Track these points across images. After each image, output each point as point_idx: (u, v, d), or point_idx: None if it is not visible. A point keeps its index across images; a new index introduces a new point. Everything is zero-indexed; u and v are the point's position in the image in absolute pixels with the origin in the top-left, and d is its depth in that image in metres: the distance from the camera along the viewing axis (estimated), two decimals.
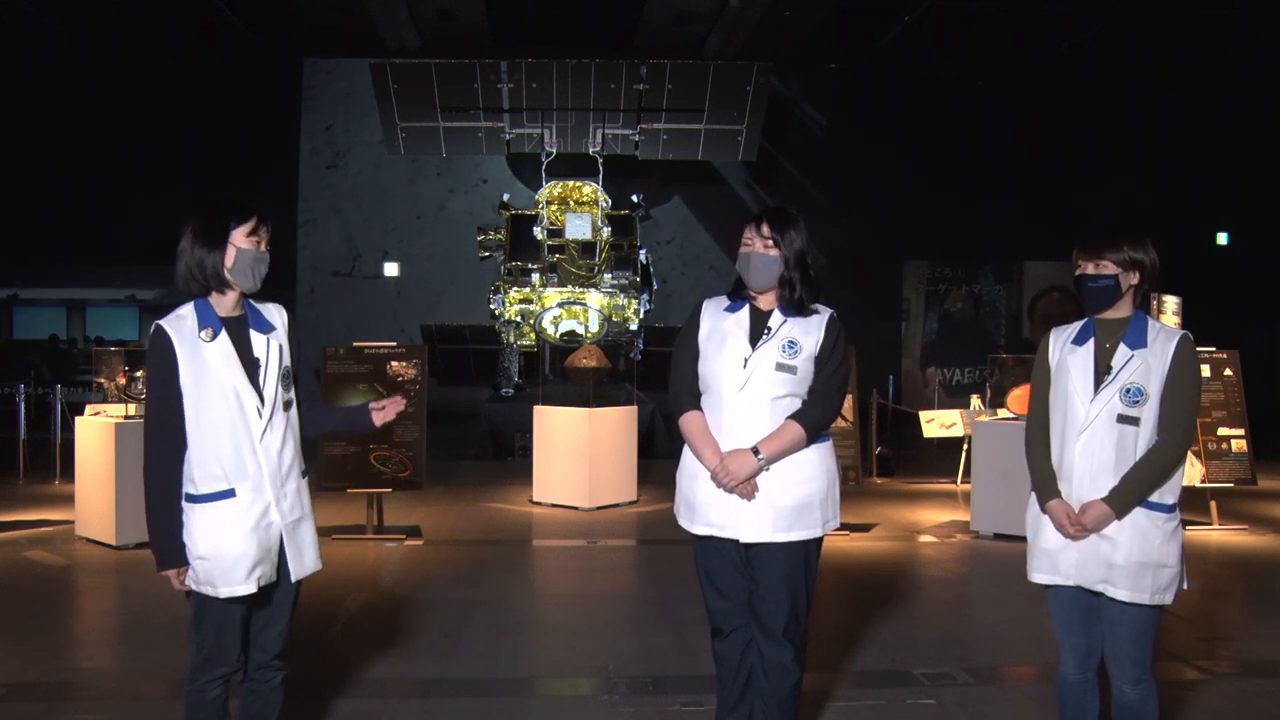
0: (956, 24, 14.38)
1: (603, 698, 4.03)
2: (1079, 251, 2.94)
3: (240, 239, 2.73)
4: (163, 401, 2.70)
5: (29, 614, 5.15)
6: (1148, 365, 2.83)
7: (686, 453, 3.12)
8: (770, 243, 3.02)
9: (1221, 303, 13.39)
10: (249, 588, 2.71)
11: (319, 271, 15.99)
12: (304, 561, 2.85)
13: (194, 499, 2.72)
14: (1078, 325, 3.00)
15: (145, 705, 3.96)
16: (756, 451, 2.94)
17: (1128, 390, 2.83)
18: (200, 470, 2.71)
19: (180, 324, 2.72)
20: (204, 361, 2.70)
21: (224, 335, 2.73)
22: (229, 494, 2.71)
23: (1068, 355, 2.95)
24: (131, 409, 6.78)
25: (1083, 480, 2.86)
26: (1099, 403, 2.85)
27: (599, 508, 8.10)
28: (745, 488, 2.96)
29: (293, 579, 2.83)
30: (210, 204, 2.78)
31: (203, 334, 2.71)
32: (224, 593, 2.69)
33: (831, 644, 4.65)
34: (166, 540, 2.72)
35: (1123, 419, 2.82)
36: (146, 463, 2.72)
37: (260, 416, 2.74)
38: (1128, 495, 2.80)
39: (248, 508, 2.73)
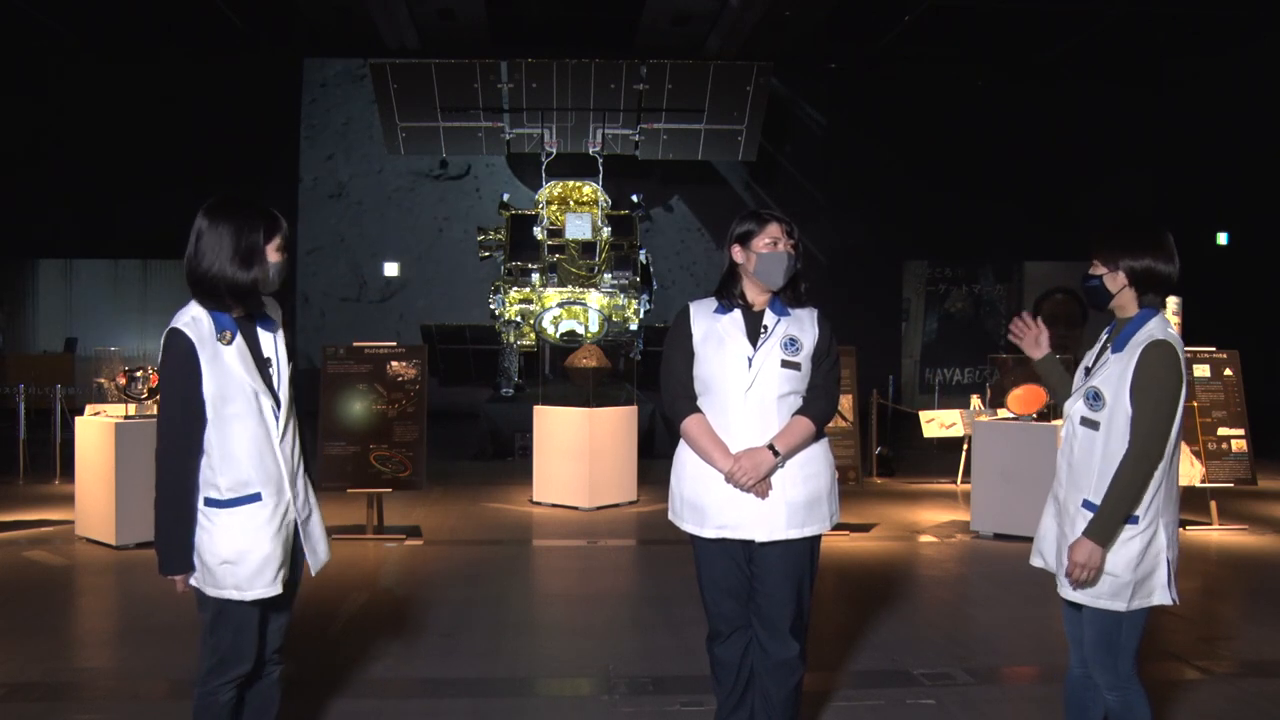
0: (956, 24, 14.39)
1: (603, 698, 4.03)
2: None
3: (272, 253, 2.69)
4: (184, 406, 2.62)
5: (29, 614, 5.15)
6: (1114, 370, 2.77)
7: (687, 456, 3.10)
8: (793, 243, 3.06)
9: (1221, 303, 13.39)
10: (276, 589, 2.71)
11: (329, 297, 16.23)
12: (319, 554, 2.88)
13: (219, 504, 2.66)
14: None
15: (145, 705, 3.95)
16: (773, 449, 2.95)
17: (1088, 393, 2.82)
18: (226, 475, 2.66)
19: (198, 327, 2.64)
20: (224, 365, 2.64)
21: (239, 337, 2.69)
22: (255, 498, 2.69)
23: (1088, 350, 2.99)
24: (131, 409, 6.78)
25: (1060, 476, 2.92)
26: (1069, 403, 2.89)
27: (599, 508, 8.10)
28: (761, 486, 2.96)
29: (313, 573, 2.86)
30: (239, 219, 2.65)
31: (220, 337, 2.65)
32: (251, 596, 2.68)
33: (831, 644, 4.65)
34: (176, 545, 2.67)
35: (1084, 422, 2.82)
36: (162, 467, 2.65)
37: (277, 419, 2.72)
38: (1104, 521, 2.73)
39: (273, 510, 2.71)
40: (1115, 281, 2.83)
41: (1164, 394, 2.71)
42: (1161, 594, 2.79)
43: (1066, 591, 2.83)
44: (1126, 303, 2.85)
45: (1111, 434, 2.75)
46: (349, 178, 16.33)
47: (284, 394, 2.75)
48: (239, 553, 2.66)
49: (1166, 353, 2.72)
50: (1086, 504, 2.79)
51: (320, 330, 15.89)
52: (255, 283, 2.67)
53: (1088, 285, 2.89)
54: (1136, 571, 2.75)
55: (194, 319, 2.66)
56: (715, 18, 14.63)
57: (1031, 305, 16.87)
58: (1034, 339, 3.14)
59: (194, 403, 2.63)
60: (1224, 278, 15.19)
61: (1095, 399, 2.79)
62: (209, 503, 2.67)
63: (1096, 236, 2.90)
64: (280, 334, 2.82)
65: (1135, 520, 2.75)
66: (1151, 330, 2.79)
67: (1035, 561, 3.04)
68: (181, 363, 2.62)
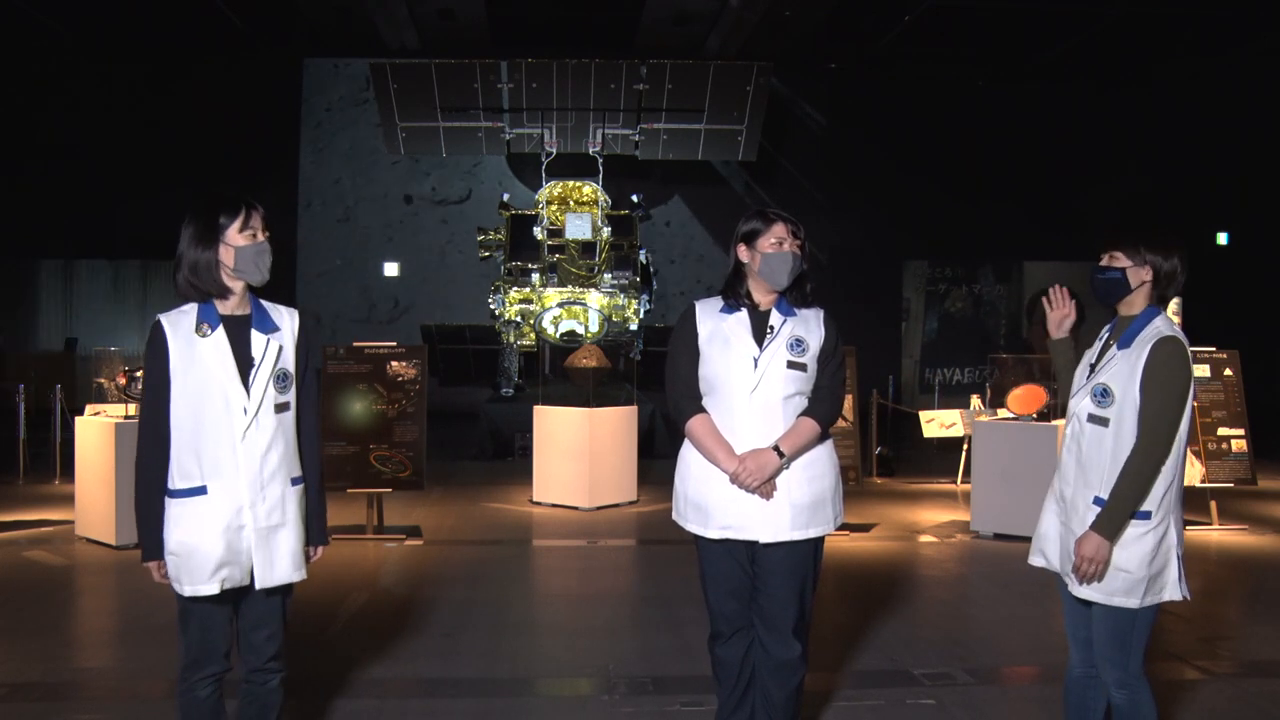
0: (956, 24, 14.38)
1: (603, 698, 4.03)
2: (1100, 245, 2.91)
3: (234, 236, 2.71)
4: (153, 395, 2.73)
5: (29, 614, 5.15)
6: (1123, 366, 2.77)
7: (691, 457, 3.08)
8: (799, 243, 3.04)
9: (1221, 303, 13.39)
10: (212, 588, 2.69)
11: (340, 319, 16.35)
12: (274, 571, 2.76)
13: (171, 494, 2.73)
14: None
15: (145, 705, 3.96)
16: (778, 450, 2.94)
17: (1095, 390, 2.81)
18: (178, 465, 2.72)
19: (179, 319, 2.73)
20: (196, 357, 2.70)
21: (221, 332, 2.72)
22: (201, 491, 2.71)
23: (1086, 349, 2.98)
24: (131, 409, 6.78)
25: (1066, 474, 2.89)
26: (1075, 399, 2.88)
27: (599, 508, 8.09)
28: (766, 488, 2.95)
29: (258, 586, 2.75)
30: (199, 204, 2.77)
31: (199, 330, 2.71)
32: (188, 591, 2.70)
33: (831, 644, 4.65)
34: (150, 533, 2.74)
35: (1092, 418, 2.80)
36: (137, 455, 2.76)
37: (245, 415, 2.71)
38: (1112, 515, 2.73)
39: (219, 507, 2.71)
40: (1139, 276, 2.83)
41: (1173, 388, 2.72)
42: (1173, 590, 2.81)
43: (1079, 590, 2.81)
44: (1136, 299, 2.85)
45: (1121, 430, 2.75)
46: (355, 201, 16.45)
47: (258, 393, 2.72)
48: (181, 545, 2.70)
49: (1177, 349, 2.75)
50: (1097, 500, 2.78)
51: (332, 338, 16.01)
52: (213, 263, 2.71)
53: (1105, 277, 2.85)
54: (1150, 568, 2.77)
55: (180, 312, 2.75)
56: (715, 18, 14.63)
57: (1027, 305, 16.87)
58: (1061, 318, 3.06)
59: (161, 391, 2.71)
60: (1224, 278, 15.19)
61: (1104, 395, 2.78)
62: (166, 492, 2.74)
63: (1118, 230, 2.87)
64: (278, 339, 2.79)
65: (1148, 516, 2.75)
66: (1159, 327, 2.81)
67: (1035, 561, 3.03)
68: (154, 350, 2.71)
